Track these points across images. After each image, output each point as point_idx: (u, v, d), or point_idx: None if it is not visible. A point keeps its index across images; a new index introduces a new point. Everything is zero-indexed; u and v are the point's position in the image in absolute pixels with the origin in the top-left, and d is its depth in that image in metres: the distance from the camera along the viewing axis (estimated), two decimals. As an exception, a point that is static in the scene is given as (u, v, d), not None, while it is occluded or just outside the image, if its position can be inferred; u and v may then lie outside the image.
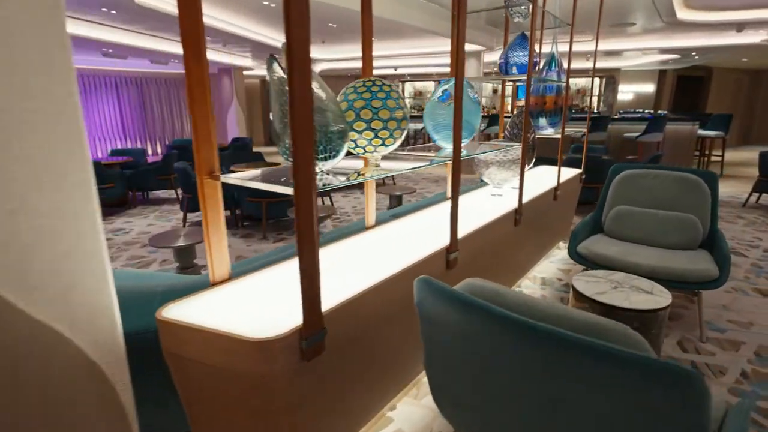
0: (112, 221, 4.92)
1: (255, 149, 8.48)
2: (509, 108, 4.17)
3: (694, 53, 8.16)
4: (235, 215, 4.68)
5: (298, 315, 1.07)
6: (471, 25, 6.99)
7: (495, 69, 10.06)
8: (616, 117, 8.33)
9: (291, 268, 1.49)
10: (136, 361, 1.20)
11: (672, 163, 7.47)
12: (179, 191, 6.12)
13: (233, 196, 4.46)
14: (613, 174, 3.02)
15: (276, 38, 7.72)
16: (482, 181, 2.86)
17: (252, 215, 4.47)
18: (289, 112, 0.93)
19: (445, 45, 7.72)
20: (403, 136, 1.50)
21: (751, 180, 6.39)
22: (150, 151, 11.23)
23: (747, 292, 2.83)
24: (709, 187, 2.67)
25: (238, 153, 6.67)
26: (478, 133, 8.93)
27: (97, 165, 5.06)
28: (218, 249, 1.32)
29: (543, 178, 3.26)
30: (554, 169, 3.69)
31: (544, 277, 3.09)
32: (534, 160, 2.86)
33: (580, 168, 3.74)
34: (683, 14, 5.22)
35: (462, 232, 1.90)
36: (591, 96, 2.91)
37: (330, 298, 1.22)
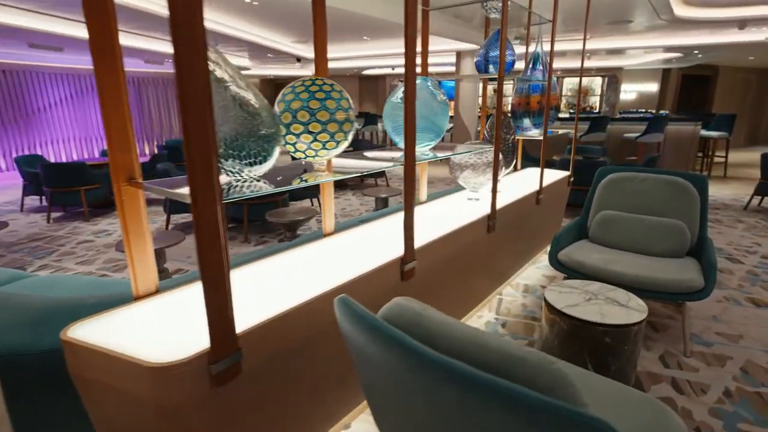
0: (96, 222, 4.86)
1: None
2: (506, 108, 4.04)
3: (696, 51, 7.96)
4: (219, 217, 4.60)
5: (207, 337, 0.98)
6: (465, 23, 6.86)
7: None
8: (616, 117, 8.16)
9: (237, 277, 1.40)
10: (56, 382, 1.12)
11: (673, 165, 7.28)
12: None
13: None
14: (600, 177, 2.89)
15: (271, 38, 7.65)
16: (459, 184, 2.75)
17: (236, 217, 4.39)
18: (179, 110, 0.83)
19: (443, 44, 7.59)
20: (349, 139, 1.40)
21: (755, 182, 6.19)
22: (147, 151, 11.23)
23: (739, 302, 2.69)
24: (698, 192, 2.54)
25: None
26: (474, 134, 8.78)
27: (82, 166, 5.01)
28: (142, 261, 1.23)
29: (529, 181, 3.14)
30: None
31: (527, 284, 2.97)
32: (515, 162, 2.75)
33: (582, 169, 3.60)
34: (681, 11, 5.05)
35: (426, 239, 1.80)
36: (579, 95, 2.80)
37: (257, 315, 1.13)
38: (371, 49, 8.78)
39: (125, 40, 6.67)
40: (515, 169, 3.71)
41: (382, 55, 9.40)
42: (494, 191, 2.19)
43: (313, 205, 5.32)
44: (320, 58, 1.62)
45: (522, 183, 3.08)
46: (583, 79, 11.63)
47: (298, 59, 9.37)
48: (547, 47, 3.05)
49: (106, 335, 1.04)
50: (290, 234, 3.49)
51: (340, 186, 6.68)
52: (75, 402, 1.13)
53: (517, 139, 3.19)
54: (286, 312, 1.16)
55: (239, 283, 1.35)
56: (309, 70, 11.92)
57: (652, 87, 11.24)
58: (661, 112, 9.93)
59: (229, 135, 1.10)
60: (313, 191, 5.22)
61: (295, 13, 5.58)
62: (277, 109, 1.33)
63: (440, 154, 2.08)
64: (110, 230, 4.55)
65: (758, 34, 6.32)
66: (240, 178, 1.18)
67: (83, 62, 9.04)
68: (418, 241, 1.76)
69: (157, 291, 1.28)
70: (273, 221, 3.33)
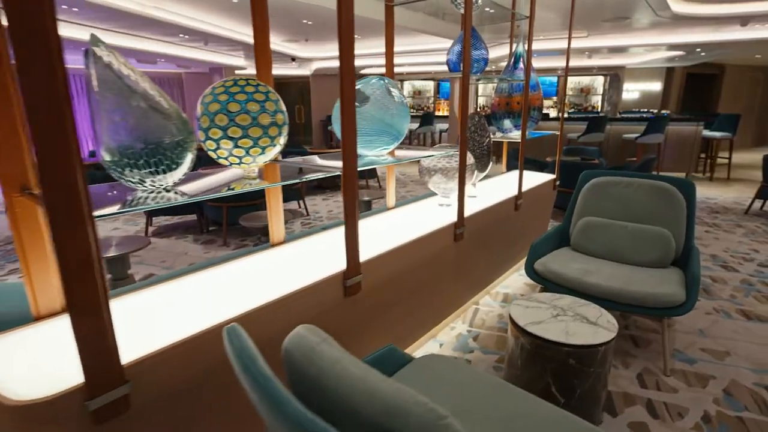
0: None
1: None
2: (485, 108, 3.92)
3: (699, 49, 7.73)
4: (200, 220, 4.51)
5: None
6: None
7: (494, 67, 9.74)
8: (615, 117, 7.97)
9: (146, 297, 1.29)
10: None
11: (674, 167, 7.08)
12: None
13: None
14: (583, 181, 2.75)
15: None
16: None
17: (217, 220, 4.30)
18: (24, 107, 0.72)
19: (442, 43, 7.45)
20: (280, 145, 1.29)
21: (759, 184, 5.98)
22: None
23: (730, 314, 2.53)
24: (685, 198, 2.39)
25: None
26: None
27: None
28: (42, 278, 1.12)
29: (511, 184, 3.00)
30: (531, 174, 3.43)
31: (507, 293, 2.84)
32: (490, 165, 2.62)
33: (573, 172, 3.46)
34: (678, 7, 4.87)
35: (384, 248, 1.68)
36: (564, 96, 2.70)
37: (156, 342, 1.02)
38: (374, 48, 8.66)
39: (118, 40, 6.61)
40: (507, 170, 3.57)
41: (381, 54, 9.27)
42: (461, 198, 2.06)
43: (300, 207, 5.22)
44: (261, 59, 1.50)
45: (504, 186, 2.94)
46: (585, 78, 11.40)
47: (293, 58, 9.28)
48: (553, 45, 2.91)
49: (-20, 364, 0.94)
50: (265, 238, 3.38)
51: (332, 188, 6.57)
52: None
53: (503, 141, 3.06)
54: (193, 337, 1.05)
55: (147, 304, 1.24)
56: (307, 70, 11.83)
57: (656, 86, 10.99)
58: (663, 111, 9.70)
59: (124, 141, 0.99)
60: (298, 193, 5.12)
61: (287, 11, 5.48)
62: (198, 111, 1.22)
63: (403, 157, 1.96)
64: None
65: (762, 31, 6.10)
66: (151, 188, 1.08)
67: (77, 62, 9.01)
68: (376, 251, 1.64)
69: (63, 310, 1.18)
70: (246, 225, 3.23)
